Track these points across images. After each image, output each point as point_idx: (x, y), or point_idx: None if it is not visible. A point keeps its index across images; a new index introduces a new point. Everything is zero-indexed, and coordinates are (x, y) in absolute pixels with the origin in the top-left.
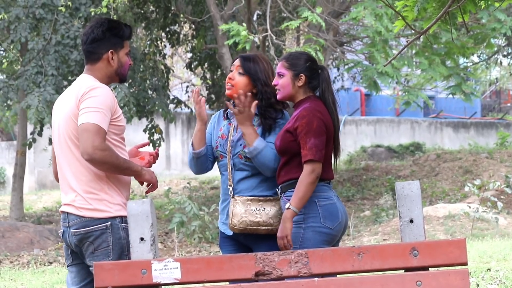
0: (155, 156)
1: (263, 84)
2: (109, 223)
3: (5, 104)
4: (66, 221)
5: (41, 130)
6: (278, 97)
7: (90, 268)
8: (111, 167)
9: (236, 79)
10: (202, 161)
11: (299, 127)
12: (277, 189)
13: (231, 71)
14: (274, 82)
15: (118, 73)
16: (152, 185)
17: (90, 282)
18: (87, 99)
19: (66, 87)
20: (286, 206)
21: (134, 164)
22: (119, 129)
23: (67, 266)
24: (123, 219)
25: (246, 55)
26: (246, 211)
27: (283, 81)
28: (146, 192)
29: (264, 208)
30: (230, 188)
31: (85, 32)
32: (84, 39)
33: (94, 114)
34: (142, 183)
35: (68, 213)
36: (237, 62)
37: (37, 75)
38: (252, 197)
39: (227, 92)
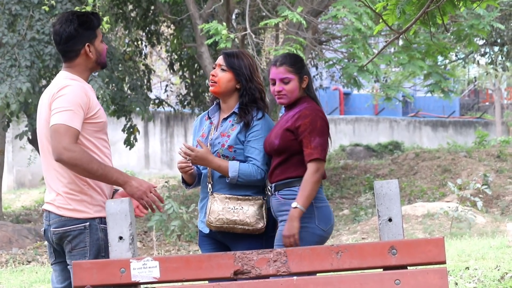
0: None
1: (247, 80)
2: (88, 223)
3: None
4: (48, 219)
5: (8, 125)
6: (283, 101)
7: (68, 267)
8: (82, 171)
9: (219, 75)
10: (199, 183)
11: (301, 126)
12: (268, 187)
13: (214, 68)
14: (277, 88)
15: (98, 62)
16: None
17: None
18: (56, 99)
19: (40, 79)
20: (293, 205)
21: (115, 172)
22: (98, 126)
23: (51, 264)
24: (102, 220)
25: (230, 51)
26: (223, 208)
27: (291, 87)
28: (136, 215)
29: (242, 207)
30: (209, 186)
31: (56, 31)
32: (57, 39)
33: (63, 114)
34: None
35: (49, 211)
36: (220, 59)
37: (11, 68)
38: (230, 195)
39: (211, 89)
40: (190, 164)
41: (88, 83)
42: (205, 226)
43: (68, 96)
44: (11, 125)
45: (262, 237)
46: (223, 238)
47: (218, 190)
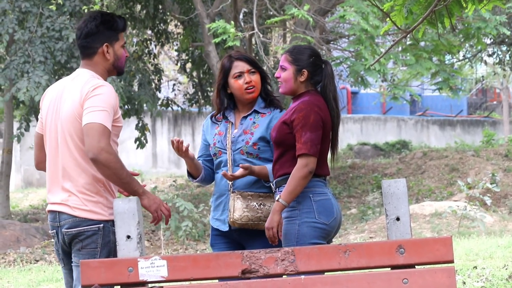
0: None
1: (268, 78)
2: (102, 225)
3: None
4: (56, 220)
5: (28, 125)
6: (280, 90)
7: (72, 265)
8: (112, 175)
9: (254, 79)
10: (207, 179)
11: (295, 119)
12: (271, 184)
13: (239, 76)
14: (276, 75)
15: (115, 66)
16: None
17: None
18: (92, 97)
19: (55, 73)
20: (276, 198)
21: (137, 182)
22: (117, 130)
23: (62, 267)
24: (112, 223)
25: (244, 55)
26: (247, 206)
27: (285, 75)
28: (151, 222)
29: (264, 204)
30: (230, 183)
31: (78, 26)
32: (78, 34)
33: (100, 113)
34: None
35: (59, 212)
36: (243, 65)
37: (24, 64)
38: (252, 193)
39: (251, 95)
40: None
41: None
42: (222, 224)
43: (104, 96)
44: (16, 124)
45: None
46: (239, 237)
47: (238, 187)
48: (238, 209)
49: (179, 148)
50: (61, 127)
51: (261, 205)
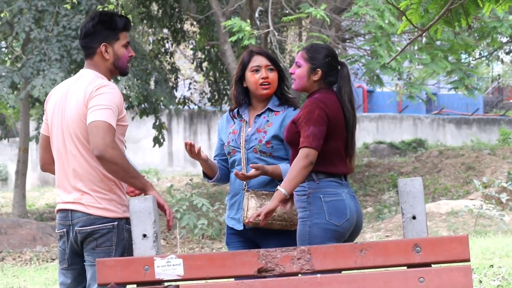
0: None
1: (286, 79)
2: (116, 223)
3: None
4: (68, 219)
5: None
6: (293, 86)
7: (85, 264)
8: (120, 170)
9: (271, 76)
10: (223, 179)
11: (301, 116)
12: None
13: (257, 70)
14: (291, 70)
15: (116, 66)
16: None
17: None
18: (96, 97)
19: (71, 71)
20: (277, 187)
21: (143, 178)
22: (123, 129)
23: (61, 269)
24: (128, 220)
25: (264, 50)
26: (261, 205)
27: (299, 72)
28: (168, 219)
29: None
30: (244, 182)
31: (81, 26)
32: (79, 33)
33: (104, 111)
34: None
35: (71, 210)
36: (262, 60)
37: (40, 63)
38: (267, 192)
39: (265, 92)
40: (193, 144)
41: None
42: (237, 223)
43: (109, 95)
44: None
45: (294, 234)
46: (254, 236)
47: (252, 186)
48: (252, 208)
49: (191, 151)
50: (67, 128)
51: None
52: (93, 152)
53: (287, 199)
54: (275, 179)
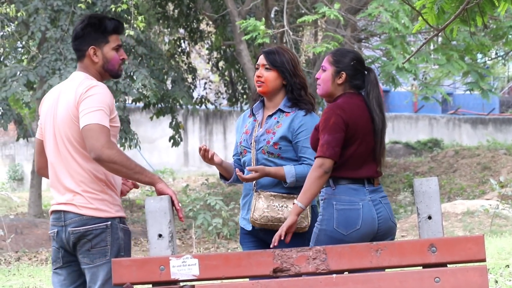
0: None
1: (292, 75)
2: (109, 222)
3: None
4: (61, 220)
5: None
6: (318, 92)
7: (83, 266)
8: (121, 168)
9: (265, 75)
10: (239, 179)
11: (319, 124)
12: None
13: (257, 69)
14: (317, 76)
15: (105, 69)
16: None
17: (81, 284)
18: (86, 99)
19: None
20: (294, 201)
21: (148, 172)
22: (115, 131)
23: (55, 269)
24: (122, 219)
25: (269, 49)
26: (268, 206)
27: (324, 76)
28: (178, 213)
29: (286, 205)
30: (254, 183)
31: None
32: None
33: (95, 113)
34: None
35: (64, 211)
36: (261, 58)
37: (56, 62)
38: (276, 193)
39: (258, 89)
40: (208, 149)
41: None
42: (248, 223)
43: (98, 95)
44: None
45: (305, 236)
46: (265, 236)
47: (262, 187)
48: (259, 209)
49: (205, 156)
50: (59, 131)
51: (283, 207)
52: (90, 155)
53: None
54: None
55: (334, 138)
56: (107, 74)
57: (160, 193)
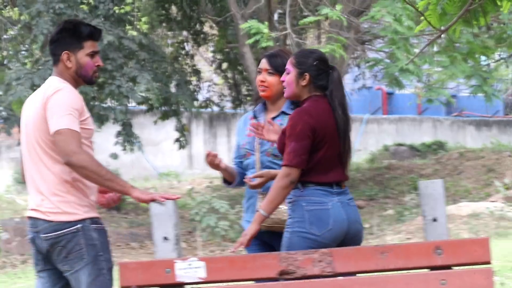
0: (115, 200)
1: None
2: (80, 225)
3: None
4: (35, 226)
5: None
6: (284, 95)
7: (65, 274)
8: (91, 174)
9: (268, 80)
10: (242, 183)
11: (286, 129)
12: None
13: (259, 73)
14: (282, 78)
15: (78, 75)
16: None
17: (63, 286)
18: (53, 103)
19: None
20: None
21: (120, 179)
22: (88, 133)
23: (38, 272)
24: (93, 219)
25: (271, 53)
26: None
27: (288, 78)
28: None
29: None
30: None
31: None
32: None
33: (63, 118)
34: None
35: (36, 218)
36: (264, 63)
37: None
38: None
39: (262, 94)
40: (217, 155)
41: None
42: None
43: (65, 99)
44: None
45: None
46: (269, 239)
47: (267, 190)
48: None
49: (212, 162)
50: (29, 134)
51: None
52: (62, 160)
53: None
54: None
55: (301, 146)
56: (81, 79)
57: (140, 201)
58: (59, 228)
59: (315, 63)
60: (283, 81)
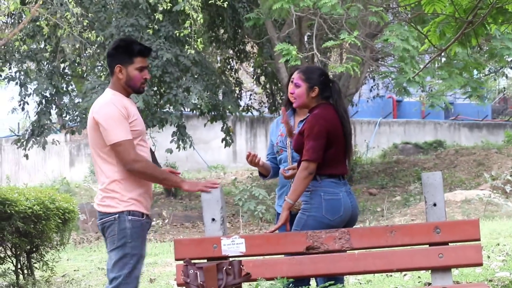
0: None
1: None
2: (117, 215)
3: None
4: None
5: None
6: (294, 104)
7: (107, 251)
8: (149, 177)
9: (296, 91)
10: (275, 174)
11: (305, 130)
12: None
13: (291, 83)
14: (290, 91)
15: (128, 85)
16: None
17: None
18: (103, 118)
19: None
20: (285, 197)
21: (173, 176)
22: (135, 133)
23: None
24: (131, 212)
25: (300, 69)
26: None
27: (299, 91)
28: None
29: None
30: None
31: None
32: None
33: (114, 131)
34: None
35: (95, 208)
36: (295, 76)
37: None
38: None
39: (294, 104)
40: (255, 154)
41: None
42: None
43: (109, 114)
44: None
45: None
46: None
47: None
48: None
49: (252, 161)
50: (89, 136)
51: None
52: (125, 168)
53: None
54: None
55: (318, 144)
56: (130, 89)
57: (189, 191)
58: (103, 217)
59: (321, 78)
60: (292, 93)
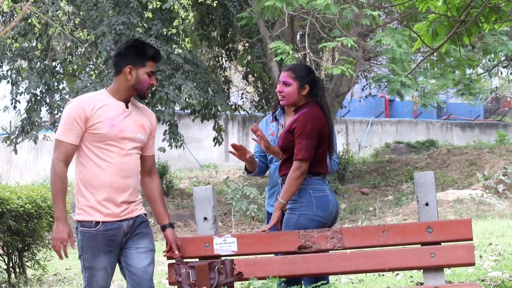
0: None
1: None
2: (76, 225)
3: None
4: None
5: None
6: (282, 102)
7: None
8: (51, 186)
9: (285, 90)
10: (260, 172)
11: (295, 128)
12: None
13: (279, 82)
14: (279, 89)
15: (135, 88)
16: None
17: (112, 267)
18: (62, 114)
19: None
20: (278, 197)
21: (60, 208)
22: (98, 137)
23: None
24: (81, 223)
25: (289, 67)
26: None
27: (289, 90)
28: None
29: None
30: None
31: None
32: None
33: (60, 128)
34: None
35: None
36: (283, 75)
37: None
38: None
39: (281, 102)
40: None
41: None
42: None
43: (65, 112)
44: None
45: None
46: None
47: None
48: None
49: (241, 154)
50: None
51: None
52: None
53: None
54: None
55: (311, 143)
56: (135, 93)
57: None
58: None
59: (310, 76)
60: (280, 91)
